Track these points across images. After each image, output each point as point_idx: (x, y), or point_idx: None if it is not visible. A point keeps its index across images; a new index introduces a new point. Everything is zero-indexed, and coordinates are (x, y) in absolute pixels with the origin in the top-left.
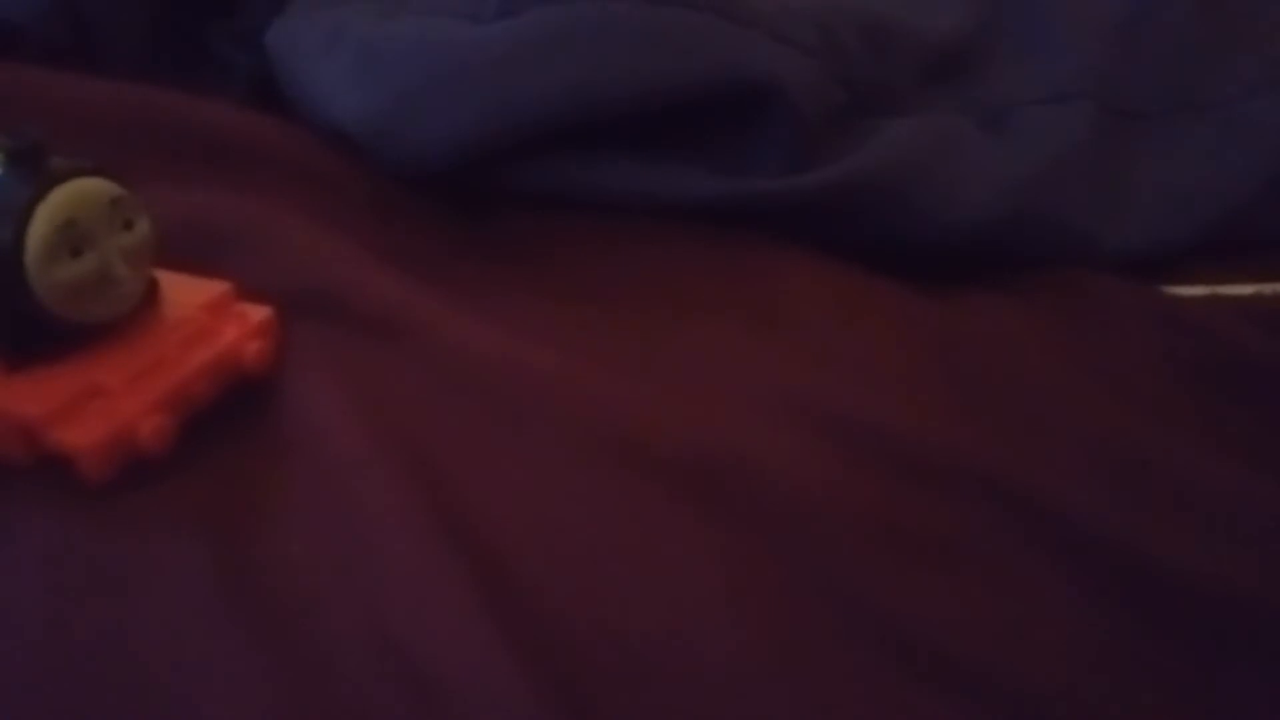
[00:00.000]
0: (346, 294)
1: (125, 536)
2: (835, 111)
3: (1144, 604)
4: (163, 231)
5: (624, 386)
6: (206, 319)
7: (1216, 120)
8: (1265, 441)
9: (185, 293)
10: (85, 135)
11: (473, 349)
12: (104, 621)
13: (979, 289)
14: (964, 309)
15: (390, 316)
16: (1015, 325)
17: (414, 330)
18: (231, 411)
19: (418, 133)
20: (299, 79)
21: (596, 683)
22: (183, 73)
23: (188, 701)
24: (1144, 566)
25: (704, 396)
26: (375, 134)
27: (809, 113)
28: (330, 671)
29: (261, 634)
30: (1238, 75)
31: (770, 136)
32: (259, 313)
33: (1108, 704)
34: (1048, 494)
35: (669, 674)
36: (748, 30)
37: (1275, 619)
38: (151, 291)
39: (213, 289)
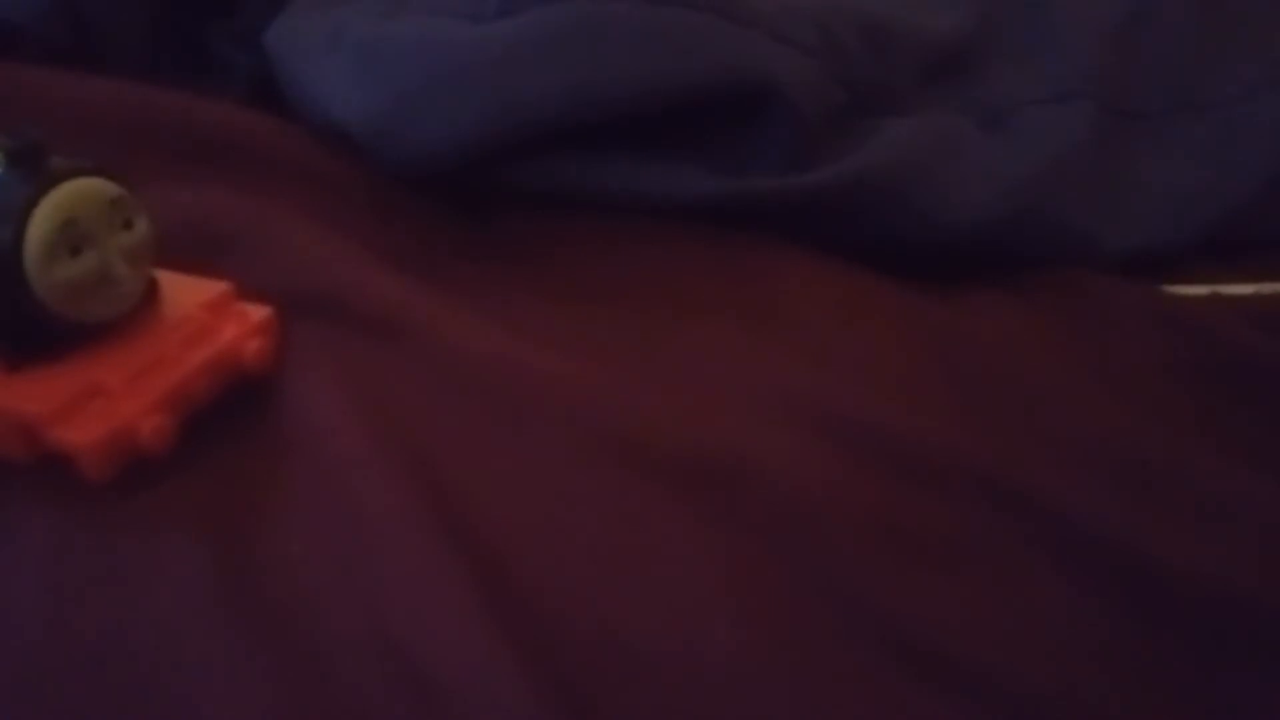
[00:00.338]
0: (346, 294)
1: (125, 536)
2: (835, 111)
3: (1144, 604)
4: (163, 231)
5: (624, 387)
6: (206, 318)
7: (1216, 120)
8: (1265, 441)
9: (185, 292)
10: (85, 135)
11: (473, 349)
12: (104, 621)
13: (979, 289)
14: (964, 309)
15: (390, 316)
16: (1015, 325)
17: (414, 330)
18: (231, 411)
19: (418, 133)
20: (299, 79)
21: (596, 683)
22: (183, 73)
23: (188, 701)
24: (1144, 566)
25: (704, 397)
26: (375, 134)
27: (809, 113)
28: (330, 671)
29: (261, 634)
30: (1238, 75)
31: (770, 136)
32: (259, 312)
33: (1108, 704)
34: (1048, 494)
35: (669, 674)
36: (748, 30)
37: (1275, 619)
38: (151, 291)
39: (213, 288)
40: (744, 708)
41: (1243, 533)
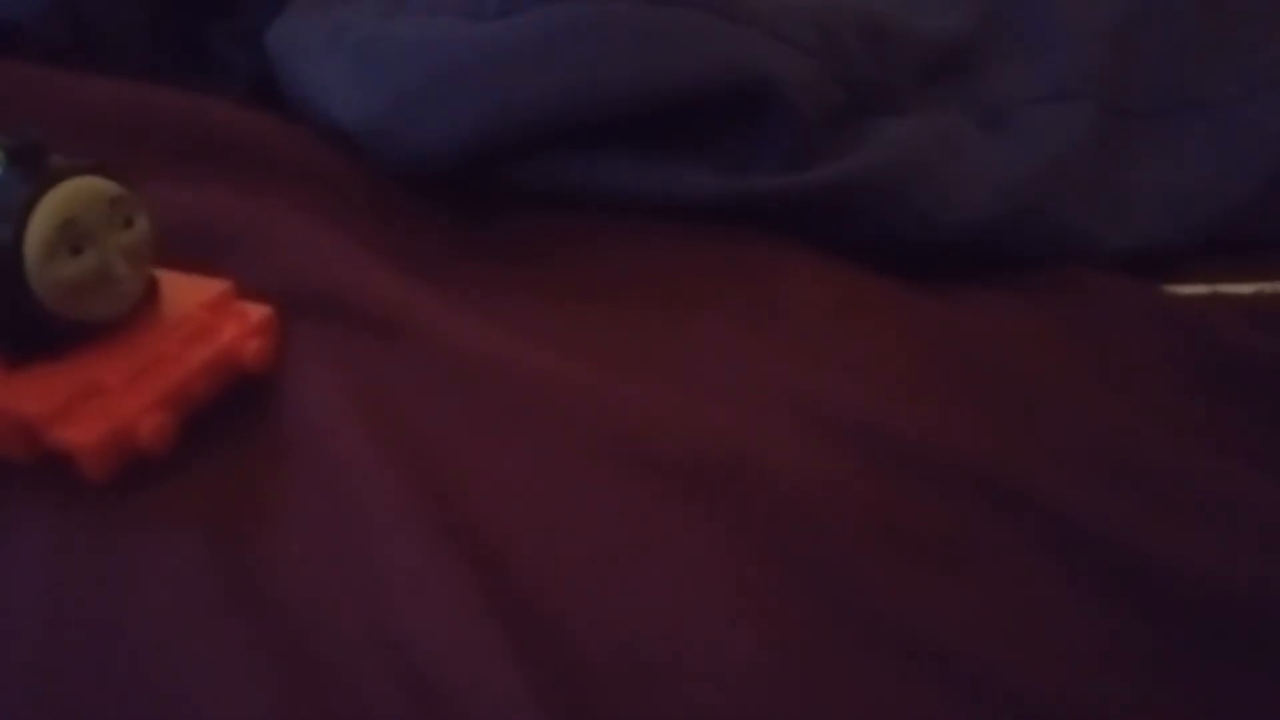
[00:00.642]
0: (346, 294)
1: (125, 535)
2: (835, 111)
3: (1144, 604)
4: (163, 231)
5: (624, 386)
6: (206, 317)
7: (1216, 120)
8: (1265, 441)
9: (185, 291)
10: (85, 135)
11: (473, 348)
12: (104, 620)
13: (979, 288)
14: (964, 308)
15: (390, 316)
16: (1015, 324)
17: (414, 330)
18: (231, 410)
19: (418, 132)
20: (299, 79)
21: (596, 683)
22: (183, 73)
23: (187, 701)
24: (1144, 566)
25: (704, 396)
26: (375, 134)
27: (809, 112)
28: (330, 671)
29: (261, 633)
30: (1238, 75)
31: (770, 136)
32: (259, 311)
33: (1108, 704)
34: (1048, 494)
35: (669, 674)
36: (747, 29)
37: (1275, 619)
38: (151, 290)
39: (213, 288)
40: (744, 707)
41: (1243, 533)
